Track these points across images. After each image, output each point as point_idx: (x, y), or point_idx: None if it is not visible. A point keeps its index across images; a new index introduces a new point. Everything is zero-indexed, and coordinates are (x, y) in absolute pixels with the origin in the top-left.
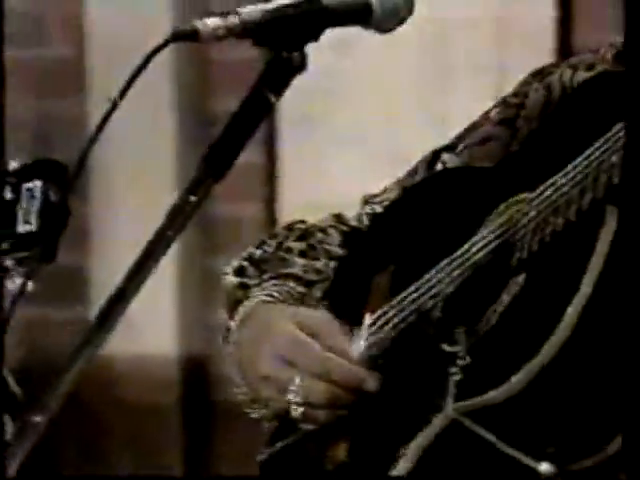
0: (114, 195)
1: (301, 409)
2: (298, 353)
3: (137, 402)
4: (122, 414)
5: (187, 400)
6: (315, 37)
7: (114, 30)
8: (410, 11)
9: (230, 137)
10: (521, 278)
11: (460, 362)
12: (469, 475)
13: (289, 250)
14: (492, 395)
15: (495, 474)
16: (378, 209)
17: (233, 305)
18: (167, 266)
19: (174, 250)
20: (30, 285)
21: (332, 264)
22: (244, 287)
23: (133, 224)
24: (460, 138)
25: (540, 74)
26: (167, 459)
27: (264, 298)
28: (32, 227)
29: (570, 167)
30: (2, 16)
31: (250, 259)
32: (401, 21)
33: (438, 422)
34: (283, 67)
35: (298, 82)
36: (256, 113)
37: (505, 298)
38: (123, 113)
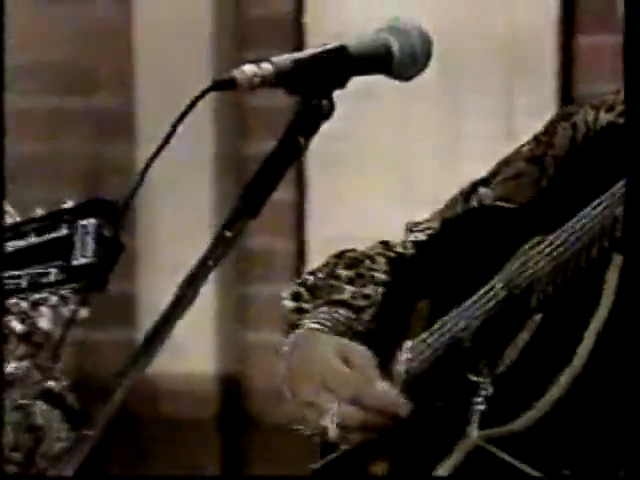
0: (159, 229)
1: (337, 432)
2: (337, 382)
3: (179, 416)
4: (165, 427)
5: (224, 414)
6: (342, 85)
7: (161, 79)
8: (428, 59)
9: (264, 177)
10: (538, 317)
11: (484, 392)
12: None
13: (338, 278)
14: (513, 425)
15: None
16: (421, 237)
17: (289, 328)
18: (207, 292)
19: (213, 278)
20: (84, 311)
21: (380, 289)
22: (299, 311)
23: (176, 255)
24: (495, 173)
25: (567, 114)
26: (206, 469)
27: (313, 326)
28: (87, 260)
29: (583, 214)
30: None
31: (304, 285)
32: (420, 69)
33: (463, 447)
34: (312, 113)
35: (325, 126)
36: (287, 156)
37: (525, 335)
38: (167, 154)
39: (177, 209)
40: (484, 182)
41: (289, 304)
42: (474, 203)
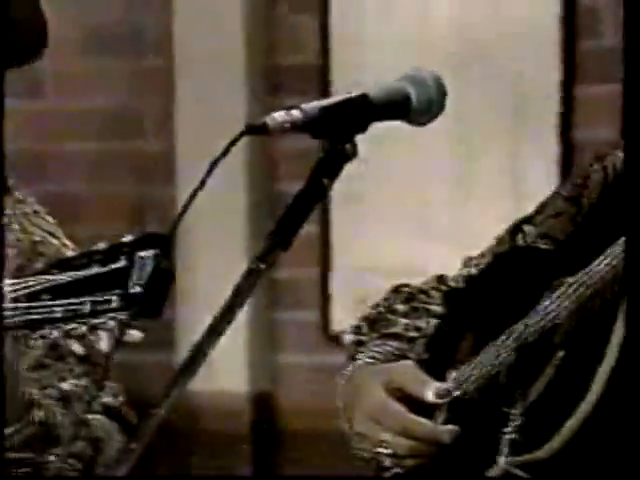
0: (197, 261)
1: (390, 459)
2: (385, 415)
3: (214, 430)
4: (202, 440)
5: (255, 429)
6: (363, 130)
7: (199, 125)
8: (442, 107)
9: (293, 214)
10: (561, 354)
11: (515, 422)
12: None
13: (395, 312)
14: (538, 453)
15: None
16: (473, 271)
17: (348, 360)
18: (239, 318)
19: (245, 305)
20: (139, 335)
21: (433, 321)
22: (358, 344)
23: (213, 285)
24: (537, 212)
25: (600, 157)
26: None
27: (366, 360)
28: (144, 289)
29: (600, 259)
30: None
31: (366, 319)
32: (434, 116)
33: (493, 472)
34: (337, 156)
35: (348, 166)
36: (313, 195)
37: (550, 370)
38: (205, 193)
39: (214, 242)
40: (528, 220)
41: (350, 337)
42: (520, 241)
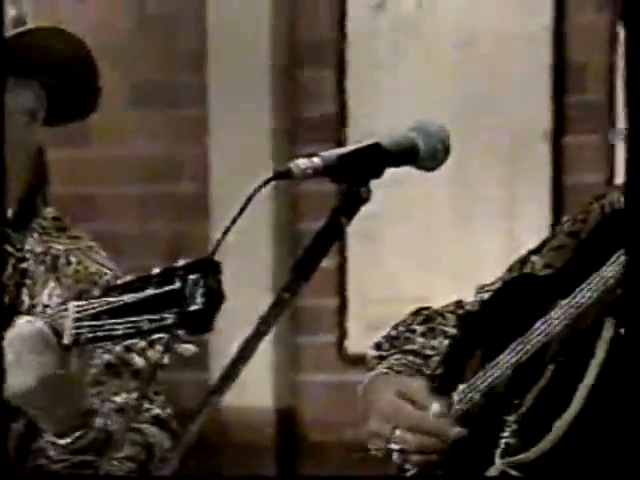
0: (228, 290)
1: (399, 455)
2: (397, 414)
3: (242, 442)
4: (230, 451)
5: (280, 441)
6: (377, 175)
7: (231, 169)
8: (447, 154)
9: (314, 250)
10: (551, 367)
11: (511, 428)
12: None
13: (413, 331)
14: (528, 454)
15: None
16: (485, 296)
17: (368, 371)
18: (265, 341)
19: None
20: (192, 349)
21: (446, 341)
22: (379, 358)
23: (243, 311)
24: (544, 244)
25: (599, 197)
26: None
27: (383, 370)
28: (196, 307)
29: (587, 284)
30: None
31: (386, 337)
32: (440, 162)
33: (492, 471)
34: (353, 198)
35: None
36: (332, 233)
37: (542, 382)
38: (235, 230)
39: (243, 274)
40: (536, 251)
41: (372, 352)
42: (527, 269)
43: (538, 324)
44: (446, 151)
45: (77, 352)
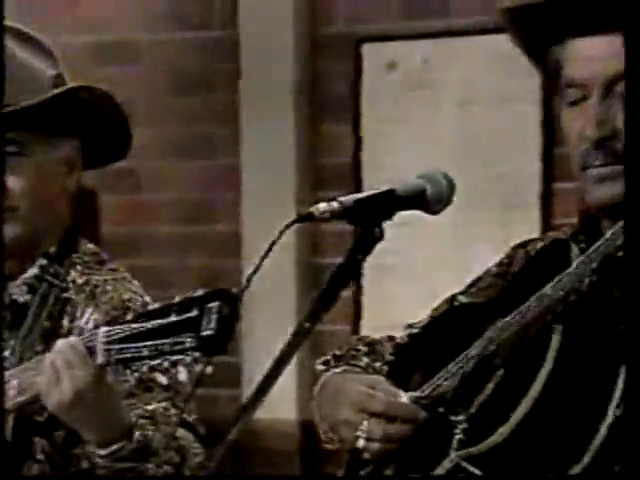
0: (258, 318)
1: (364, 442)
2: (368, 401)
3: (270, 451)
4: (260, 459)
5: (303, 450)
6: (389, 217)
7: (260, 213)
8: (451, 199)
9: (333, 283)
10: (501, 372)
11: (461, 426)
12: None
13: (358, 350)
14: (479, 447)
15: None
16: (415, 331)
17: (317, 379)
18: (291, 362)
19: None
20: (210, 369)
21: (385, 367)
22: (326, 371)
23: (270, 337)
24: (470, 285)
25: (523, 244)
26: None
27: (338, 371)
28: (212, 332)
29: (529, 302)
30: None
31: (333, 355)
32: (445, 206)
33: (446, 464)
34: (368, 238)
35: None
36: (350, 268)
37: (490, 385)
38: (264, 265)
39: (270, 304)
40: (462, 293)
41: (320, 367)
42: (453, 305)
43: (484, 336)
44: (451, 197)
45: (111, 370)
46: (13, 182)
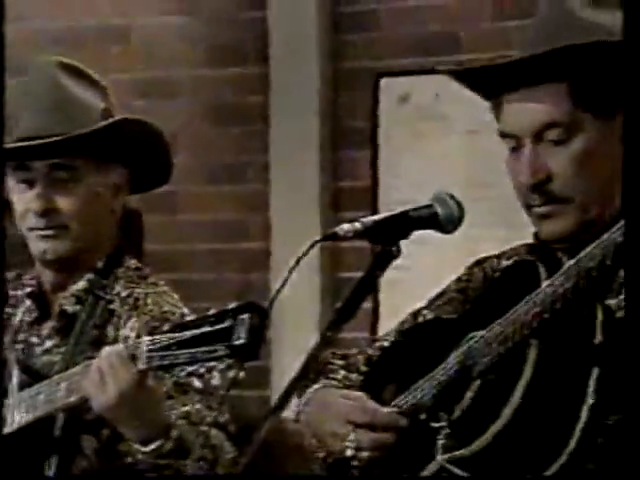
0: (286, 326)
1: (352, 451)
2: (352, 413)
3: (297, 449)
4: (287, 458)
5: None
6: (405, 236)
7: (288, 231)
8: (461, 220)
9: (354, 296)
10: (478, 382)
11: (444, 431)
12: None
13: (334, 364)
14: (463, 451)
15: None
16: (385, 344)
17: (298, 394)
18: None
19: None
20: (242, 374)
21: (360, 377)
22: (305, 386)
23: (296, 344)
24: (433, 300)
25: (479, 262)
26: None
27: (319, 386)
28: (243, 341)
29: (505, 317)
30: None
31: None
32: (455, 227)
33: (431, 467)
34: (386, 255)
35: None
36: (369, 282)
37: (470, 394)
38: (290, 279)
39: (296, 314)
40: (426, 307)
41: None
42: (420, 320)
43: (460, 349)
44: (461, 218)
45: (152, 375)
46: (64, 203)
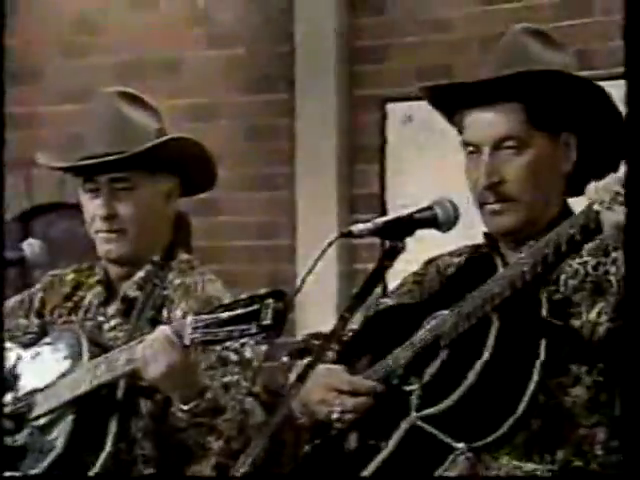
0: (308, 309)
1: (339, 414)
2: (336, 382)
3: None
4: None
5: None
6: (410, 234)
7: (310, 230)
8: (457, 221)
9: (367, 284)
10: (446, 352)
11: (416, 393)
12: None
13: (313, 344)
14: (432, 410)
15: (433, 450)
16: (354, 327)
17: (287, 370)
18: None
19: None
20: (265, 349)
21: (334, 355)
22: (292, 362)
23: (318, 326)
24: (393, 291)
25: (432, 260)
26: None
27: (304, 362)
28: (269, 322)
29: (468, 298)
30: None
31: (295, 350)
32: (452, 226)
33: (404, 425)
34: (394, 249)
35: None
36: (380, 272)
37: (437, 362)
38: (314, 274)
39: (318, 300)
40: (386, 296)
41: (285, 359)
42: (381, 307)
43: (429, 323)
44: (457, 218)
45: (193, 350)
46: (123, 210)
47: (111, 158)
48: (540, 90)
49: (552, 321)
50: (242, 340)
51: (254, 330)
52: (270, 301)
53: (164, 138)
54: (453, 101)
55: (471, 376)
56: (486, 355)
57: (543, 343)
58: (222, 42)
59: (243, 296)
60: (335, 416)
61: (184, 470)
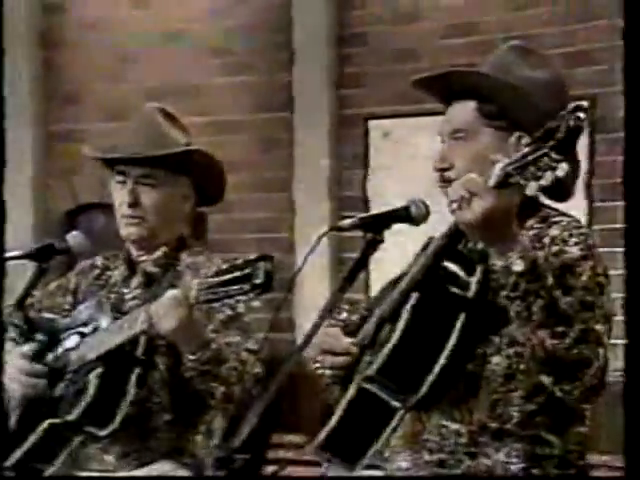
0: (305, 287)
1: (322, 370)
2: (324, 343)
3: (314, 377)
4: (305, 383)
5: None
6: (388, 228)
7: (304, 225)
8: (427, 217)
9: (353, 269)
10: (388, 327)
11: (367, 358)
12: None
13: (341, 308)
14: (369, 371)
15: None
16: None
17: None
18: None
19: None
20: (257, 303)
21: (357, 321)
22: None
23: (313, 300)
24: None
25: (425, 247)
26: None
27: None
28: (260, 280)
29: (407, 276)
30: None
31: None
32: (423, 221)
33: (353, 387)
34: (374, 241)
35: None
36: (363, 259)
37: (396, 335)
38: (310, 261)
39: (313, 281)
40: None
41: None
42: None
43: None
44: (427, 215)
45: (198, 308)
46: (146, 200)
47: (140, 155)
48: (492, 92)
49: (467, 296)
50: (238, 297)
51: (248, 288)
52: (261, 264)
53: (183, 148)
54: (440, 96)
55: (392, 342)
56: (404, 322)
57: (462, 317)
58: (234, 69)
59: (238, 261)
60: (319, 372)
61: (195, 419)
